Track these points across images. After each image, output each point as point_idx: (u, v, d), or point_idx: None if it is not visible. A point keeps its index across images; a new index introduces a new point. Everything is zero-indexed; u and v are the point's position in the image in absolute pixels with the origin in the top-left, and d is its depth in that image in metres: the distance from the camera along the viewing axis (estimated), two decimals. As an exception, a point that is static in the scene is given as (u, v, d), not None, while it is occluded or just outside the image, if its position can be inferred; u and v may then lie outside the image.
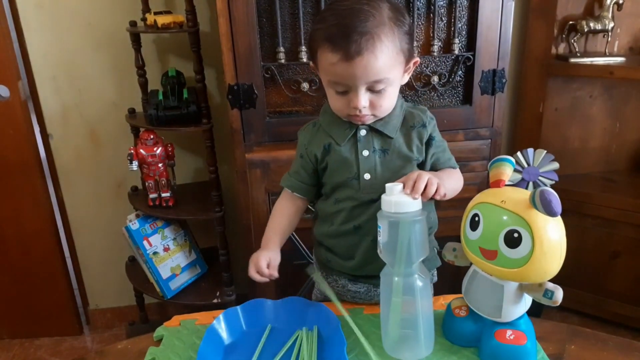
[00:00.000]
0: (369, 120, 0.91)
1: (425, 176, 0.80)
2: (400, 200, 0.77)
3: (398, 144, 0.92)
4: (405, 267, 0.77)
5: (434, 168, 0.95)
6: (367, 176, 0.92)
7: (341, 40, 0.81)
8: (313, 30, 0.89)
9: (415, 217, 0.77)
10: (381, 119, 0.92)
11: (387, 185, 0.80)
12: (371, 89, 0.85)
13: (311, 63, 0.94)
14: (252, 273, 0.92)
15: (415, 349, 0.79)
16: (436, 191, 0.80)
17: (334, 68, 0.83)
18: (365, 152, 0.92)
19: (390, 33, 0.83)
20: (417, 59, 0.92)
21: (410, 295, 0.78)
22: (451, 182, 0.91)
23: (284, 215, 1.00)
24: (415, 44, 1.48)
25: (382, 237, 0.79)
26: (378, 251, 0.81)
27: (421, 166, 0.94)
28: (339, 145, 0.93)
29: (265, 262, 0.92)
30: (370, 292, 0.99)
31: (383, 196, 0.79)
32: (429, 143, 0.94)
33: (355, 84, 0.84)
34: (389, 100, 0.89)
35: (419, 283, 0.78)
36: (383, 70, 0.83)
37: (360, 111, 0.87)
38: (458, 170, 0.97)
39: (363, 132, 0.92)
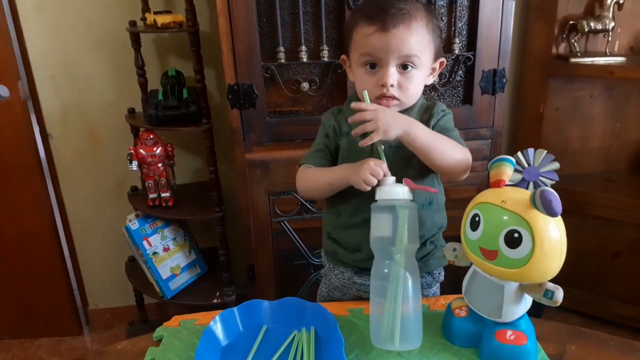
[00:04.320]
0: (394, 105, 0.92)
1: (373, 114, 0.84)
2: (389, 189, 0.84)
3: None
4: (394, 252, 0.80)
5: None
6: None
7: (379, 14, 0.87)
8: (349, 18, 0.96)
9: (402, 204, 0.82)
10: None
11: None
12: (401, 67, 0.89)
13: (343, 57, 0.98)
14: (369, 179, 0.85)
15: (396, 338, 0.79)
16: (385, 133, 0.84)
17: (369, 39, 0.88)
18: (382, 147, 0.93)
19: (424, 18, 0.89)
20: (443, 59, 0.96)
21: (394, 283, 0.79)
22: (438, 142, 0.88)
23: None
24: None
25: (372, 227, 0.84)
26: (370, 245, 0.84)
27: None
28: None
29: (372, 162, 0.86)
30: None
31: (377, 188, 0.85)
32: (433, 127, 0.94)
33: (386, 58, 0.88)
34: (416, 85, 0.92)
35: (407, 274, 0.79)
36: (415, 47, 0.88)
37: (388, 90, 0.89)
38: (464, 148, 0.92)
39: None
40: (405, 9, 0.87)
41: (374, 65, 0.90)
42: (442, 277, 1.07)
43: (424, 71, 0.92)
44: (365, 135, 0.86)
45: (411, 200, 0.84)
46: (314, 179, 0.98)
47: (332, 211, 1.01)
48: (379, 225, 0.83)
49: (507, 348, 0.77)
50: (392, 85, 0.89)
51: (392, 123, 0.84)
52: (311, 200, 1.49)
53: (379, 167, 0.85)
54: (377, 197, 0.84)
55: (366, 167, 0.85)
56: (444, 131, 0.94)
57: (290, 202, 1.54)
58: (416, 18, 0.88)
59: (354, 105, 0.88)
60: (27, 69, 1.81)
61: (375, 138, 0.84)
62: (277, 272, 1.65)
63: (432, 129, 0.94)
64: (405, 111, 0.94)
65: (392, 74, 0.89)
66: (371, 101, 0.92)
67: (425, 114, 0.96)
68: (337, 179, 0.93)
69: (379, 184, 0.85)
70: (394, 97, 0.91)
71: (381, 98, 0.91)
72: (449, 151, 0.89)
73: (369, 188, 0.85)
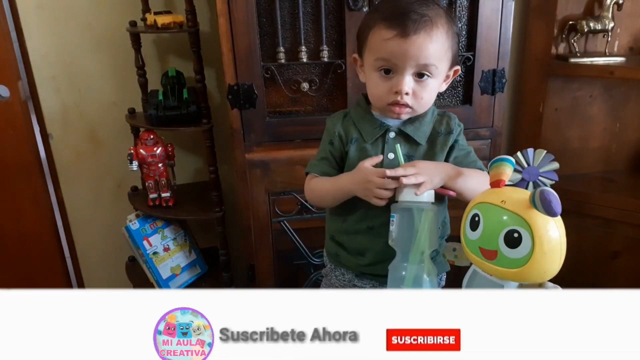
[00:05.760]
0: (406, 113, 0.90)
1: (414, 169, 0.84)
2: (412, 191, 0.83)
3: (423, 151, 0.93)
4: (413, 255, 0.81)
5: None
6: None
7: (400, 18, 0.84)
8: (366, 17, 0.92)
9: (425, 207, 0.83)
10: (412, 124, 0.92)
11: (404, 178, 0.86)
12: (416, 75, 0.87)
13: (354, 56, 0.96)
14: (379, 191, 0.85)
15: None
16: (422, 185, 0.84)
17: (387, 44, 0.85)
18: (391, 155, 0.92)
19: (445, 25, 0.87)
20: (458, 67, 0.94)
21: (410, 284, 0.80)
22: (469, 181, 0.89)
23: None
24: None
25: (394, 227, 0.84)
26: (389, 241, 0.84)
27: None
28: (365, 142, 0.93)
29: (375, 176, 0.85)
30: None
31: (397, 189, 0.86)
32: (452, 147, 0.94)
33: (404, 65, 0.85)
34: (430, 94, 0.90)
35: (426, 277, 0.80)
36: (434, 55, 0.86)
37: (402, 97, 0.87)
38: (485, 173, 0.94)
39: (392, 135, 0.92)
40: (427, 15, 0.84)
41: (389, 71, 0.88)
42: (443, 282, 1.07)
43: (440, 79, 0.90)
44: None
45: (432, 203, 0.84)
46: (322, 190, 0.97)
47: (337, 215, 1.00)
48: (401, 226, 0.82)
49: (506, 348, 0.77)
50: (406, 94, 0.87)
51: (434, 172, 0.85)
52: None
53: (383, 178, 0.84)
54: (400, 198, 0.83)
55: (372, 186, 0.84)
56: (463, 152, 0.95)
57: (290, 202, 1.54)
58: (437, 25, 0.85)
59: (391, 173, 0.84)
60: (28, 69, 1.81)
61: (426, 188, 0.84)
62: (277, 272, 1.65)
63: (453, 145, 0.94)
64: (418, 118, 0.93)
65: (408, 82, 0.87)
66: (383, 107, 0.92)
67: (441, 125, 0.95)
68: (342, 193, 0.92)
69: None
70: (407, 105, 0.89)
71: (394, 105, 0.90)
72: (479, 188, 0.88)
73: (384, 203, 0.85)
